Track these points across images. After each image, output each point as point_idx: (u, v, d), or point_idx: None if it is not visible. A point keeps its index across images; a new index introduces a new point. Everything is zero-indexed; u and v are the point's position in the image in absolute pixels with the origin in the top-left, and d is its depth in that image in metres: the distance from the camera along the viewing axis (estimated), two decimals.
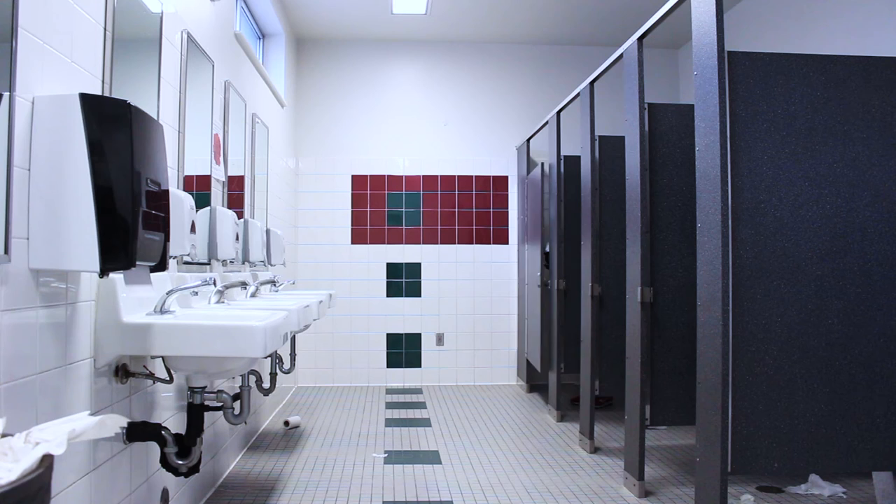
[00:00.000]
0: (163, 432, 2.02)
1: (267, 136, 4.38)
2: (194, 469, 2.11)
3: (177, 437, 2.07)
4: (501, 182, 5.99)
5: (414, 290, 5.91)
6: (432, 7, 5.26)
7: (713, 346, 2.28)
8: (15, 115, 1.44)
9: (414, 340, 5.91)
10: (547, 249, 4.98)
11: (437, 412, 4.79)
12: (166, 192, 1.88)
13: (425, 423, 4.46)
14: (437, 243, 5.93)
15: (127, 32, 2.08)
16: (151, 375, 2.09)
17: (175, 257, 2.37)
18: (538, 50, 6.12)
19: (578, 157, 4.11)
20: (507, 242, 5.98)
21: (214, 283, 2.35)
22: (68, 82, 1.72)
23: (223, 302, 2.75)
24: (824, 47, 3.84)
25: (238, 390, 2.48)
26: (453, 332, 5.92)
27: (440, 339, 5.90)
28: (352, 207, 5.92)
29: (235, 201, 3.49)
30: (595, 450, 3.77)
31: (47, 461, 0.89)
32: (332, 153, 5.95)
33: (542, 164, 5.06)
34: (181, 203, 2.23)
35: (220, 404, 2.28)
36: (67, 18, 1.72)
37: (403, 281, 5.92)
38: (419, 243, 5.91)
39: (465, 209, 5.97)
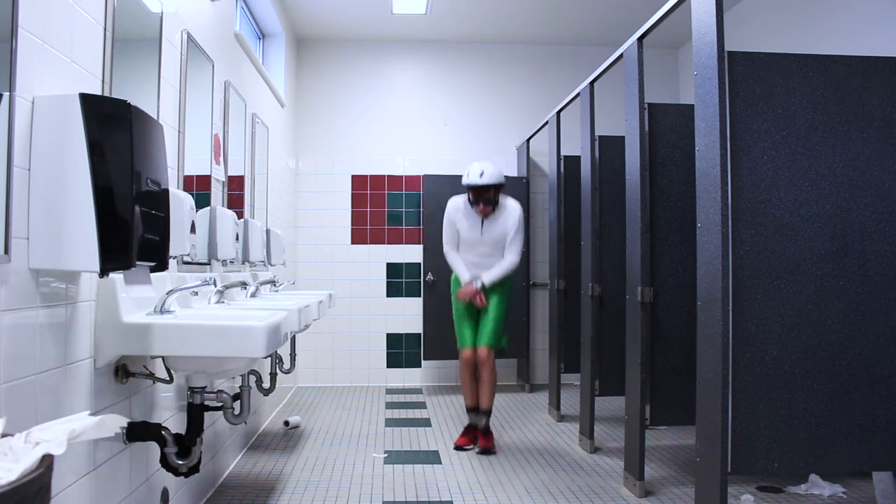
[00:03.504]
0: (163, 432, 2.01)
1: (267, 136, 4.38)
2: (194, 469, 2.11)
3: (177, 437, 2.07)
4: None
5: (414, 290, 5.91)
6: (432, 7, 5.26)
7: (713, 346, 2.28)
8: (15, 115, 1.44)
9: (414, 340, 5.91)
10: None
11: (437, 412, 4.79)
12: (166, 192, 1.88)
13: (425, 423, 4.46)
14: None
15: (127, 32, 2.08)
16: (151, 375, 2.09)
17: (175, 257, 2.37)
18: (538, 50, 6.12)
19: (578, 157, 4.11)
20: None
21: (214, 283, 2.35)
22: (68, 82, 1.72)
23: (223, 302, 2.75)
24: (824, 47, 3.84)
25: (238, 390, 2.48)
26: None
27: None
28: (352, 207, 5.92)
29: (235, 201, 3.49)
30: (595, 450, 3.77)
31: (47, 461, 0.89)
32: (332, 153, 5.95)
33: (423, 176, 5.67)
34: (181, 203, 2.22)
35: (220, 404, 2.27)
36: (67, 18, 1.72)
37: (403, 281, 5.92)
38: (419, 243, 5.91)
39: None
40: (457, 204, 3.96)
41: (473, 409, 3.90)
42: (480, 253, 3.89)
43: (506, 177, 3.92)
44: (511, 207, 3.88)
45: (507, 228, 3.84)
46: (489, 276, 3.82)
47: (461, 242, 3.92)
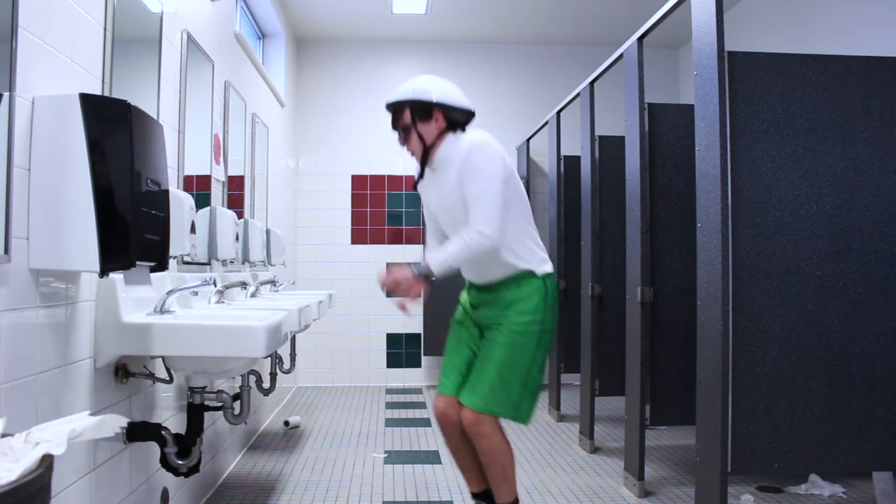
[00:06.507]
0: (163, 432, 2.02)
1: (267, 136, 4.38)
2: (194, 469, 2.11)
3: (177, 437, 2.07)
4: None
5: None
6: (432, 7, 5.26)
7: (713, 346, 2.28)
8: (15, 115, 1.44)
9: (414, 340, 5.91)
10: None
11: None
12: (166, 192, 1.88)
13: (425, 423, 4.46)
14: None
15: (127, 32, 2.08)
16: (151, 375, 2.09)
17: (175, 257, 2.37)
18: (538, 50, 6.12)
19: (578, 157, 4.11)
20: None
21: (214, 283, 2.35)
22: (68, 82, 1.72)
23: (223, 302, 2.75)
24: (824, 47, 3.83)
25: (238, 390, 2.48)
26: None
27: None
28: (352, 207, 5.92)
29: (235, 201, 3.49)
30: (595, 450, 3.77)
31: (47, 461, 0.89)
32: (332, 153, 5.95)
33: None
34: (181, 203, 2.23)
35: (220, 404, 2.27)
36: (67, 18, 1.72)
37: None
38: (419, 243, 5.91)
39: None
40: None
41: (481, 496, 2.34)
42: (442, 232, 2.39)
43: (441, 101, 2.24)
44: (461, 146, 2.21)
45: (454, 183, 2.18)
46: (434, 256, 2.17)
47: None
